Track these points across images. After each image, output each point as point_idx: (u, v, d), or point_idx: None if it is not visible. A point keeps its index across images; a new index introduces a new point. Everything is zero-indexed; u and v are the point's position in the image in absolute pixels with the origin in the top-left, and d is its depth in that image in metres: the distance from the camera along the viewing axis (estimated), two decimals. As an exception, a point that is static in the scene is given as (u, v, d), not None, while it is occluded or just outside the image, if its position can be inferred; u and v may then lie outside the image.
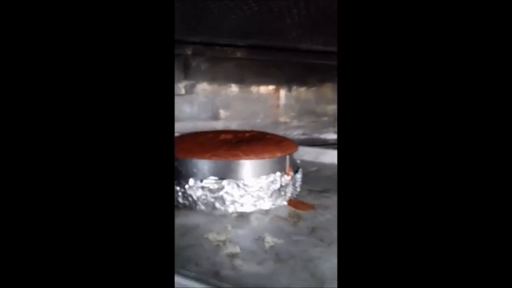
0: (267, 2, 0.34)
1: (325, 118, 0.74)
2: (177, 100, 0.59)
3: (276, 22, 0.43)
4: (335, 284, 0.18)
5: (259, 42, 0.59)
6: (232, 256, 0.22)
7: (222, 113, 0.65)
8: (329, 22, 0.43)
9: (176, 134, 0.45)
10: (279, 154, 0.31)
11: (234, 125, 0.65)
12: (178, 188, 0.30)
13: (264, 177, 0.30)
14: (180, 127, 0.61)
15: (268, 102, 0.68)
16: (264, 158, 0.30)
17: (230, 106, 0.65)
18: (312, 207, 0.31)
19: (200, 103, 0.62)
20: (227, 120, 0.65)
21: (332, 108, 0.73)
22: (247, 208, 0.30)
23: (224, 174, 0.30)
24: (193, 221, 0.28)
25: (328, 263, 0.21)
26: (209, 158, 0.29)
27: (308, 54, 0.65)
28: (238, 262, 0.22)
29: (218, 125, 0.63)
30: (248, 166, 0.30)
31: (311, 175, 0.42)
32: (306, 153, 0.49)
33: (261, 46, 0.60)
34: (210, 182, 0.29)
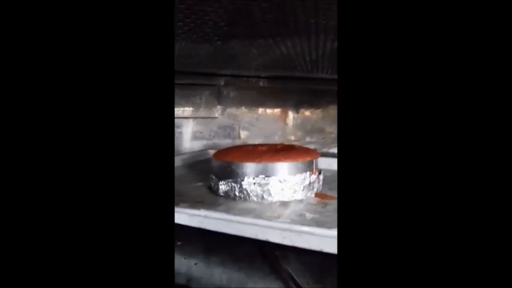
0: (291, 46, 0.46)
1: (332, 135, 0.85)
2: (211, 122, 0.71)
3: (296, 60, 0.55)
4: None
5: (278, 73, 0.72)
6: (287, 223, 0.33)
7: (243, 133, 0.77)
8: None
9: (214, 150, 0.56)
10: (308, 158, 0.43)
11: (257, 142, 0.76)
12: (235, 184, 0.41)
13: (298, 175, 0.41)
14: (213, 143, 0.72)
15: (283, 122, 0.80)
16: (298, 161, 0.42)
17: (251, 128, 0.77)
18: (334, 197, 0.42)
19: (229, 124, 0.74)
20: (248, 139, 0.77)
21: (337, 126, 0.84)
22: (286, 198, 0.41)
23: (269, 173, 0.41)
24: (250, 207, 0.38)
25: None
26: (259, 161, 0.41)
27: (316, 81, 0.77)
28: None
29: (240, 143, 0.75)
30: (286, 167, 0.41)
31: (328, 178, 0.53)
32: (322, 162, 0.60)
33: (279, 77, 0.73)
34: (260, 179, 0.40)
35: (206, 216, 0.30)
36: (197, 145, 0.72)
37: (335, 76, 0.78)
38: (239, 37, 0.35)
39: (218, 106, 0.71)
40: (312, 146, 0.91)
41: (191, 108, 0.70)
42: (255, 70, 0.65)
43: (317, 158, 0.45)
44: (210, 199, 0.41)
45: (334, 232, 0.24)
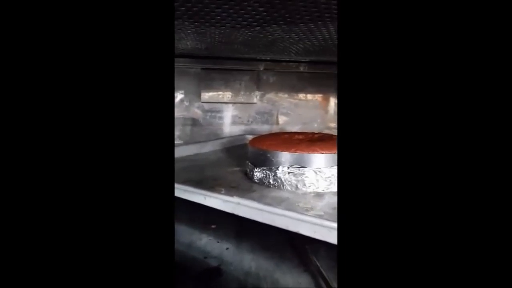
0: (334, 30, 0.44)
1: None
2: (250, 107, 0.71)
3: (334, 44, 0.52)
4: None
5: (319, 57, 0.69)
6: (320, 216, 0.32)
7: (282, 118, 0.76)
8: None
9: (251, 136, 0.56)
10: (346, 150, 0.41)
11: (294, 129, 0.75)
12: (269, 172, 0.41)
13: (334, 167, 0.40)
14: (251, 129, 0.73)
15: (323, 109, 0.78)
16: (334, 152, 0.40)
17: (291, 113, 0.76)
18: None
19: (267, 110, 0.74)
20: (287, 125, 0.76)
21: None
22: (321, 189, 0.40)
23: (305, 163, 0.40)
24: (283, 195, 0.38)
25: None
26: (294, 151, 0.40)
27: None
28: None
29: (278, 129, 0.74)
30: (322, 158, 0.40)
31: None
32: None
33: (319, 62, 0.70)
34: (295, 169, 0.40)
35: (238, 203, 0.31)
36: (236, 129, 0.73)
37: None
38: (278, 22, 0.34)
39: (257, 92, 0.71)
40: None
41: (230, 93, 0.71)
42: (295, 54, 0.63)
43: (356, 149, 0.43)
44: (245, 185, 0.42)
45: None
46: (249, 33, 0.39)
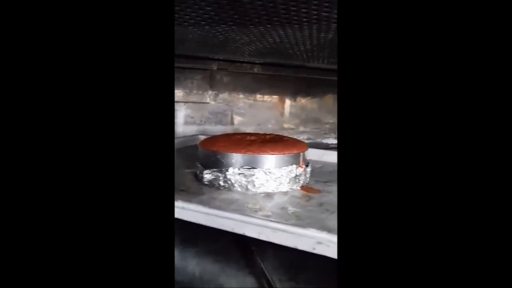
0: (284, 35, 0.45)
1: (327, 126, 0.85)
2: (203, 107, 0.70)
3: (290, 48, 0.53)
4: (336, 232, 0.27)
5: (273, 60, 0.70)
6: (267, 216, 0.33)
7: (237, 119, 0.76)
8: (333, 47, 0.54)
9: (204, 136, 0.55)
10: (295, 151, 0.42)
11: (248, 130, 0.75)
12: (220, 174, 0.40)
13: (284, 167, 0.41)
14: (204, 129, 0.71)
15: (278, 110, 0.79)
16: (284, 153, 0.41)
17: (245, 114, 0.76)
18: (319, 191, 0.42)
19: (220, 110, 0.73)
20: (242, 125, 0.76)
21: (333, 117, 0.83)
22: (271, 190, 0.40)
23: (255, 164, 0.40)
24: (233, 197, 0.38)
25: (332, 221, 0.32)
26: (244, 152, 0.40)
27: (313, 71, 0.76)
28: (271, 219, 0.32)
29: (232, 130, 0.74)
30: (272, 159, 0.40)
31: (317, 170, 0.52)
32: (312, 154, 0.59)
33: (274, 64, 0.71)
34: (245, 170, 0.40)
35: (183, 208, 0.30)
36: (189, 130, 0.71)
37: (332, 66, 0.78)
38: (227, 23, 0.34)
39: (210, 91, 0.70)
40: (306, 136, 0.91)
41: (182, 92, 0.69)
42: (248, 56, 0.63)
43: (305, 151, 0.44)
44: (194, 187, 0.41)
45: (307, 231, 0.24)
46: (199, 32, 0.39)
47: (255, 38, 0.43)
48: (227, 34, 0.40)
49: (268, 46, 0.50)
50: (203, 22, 0.34)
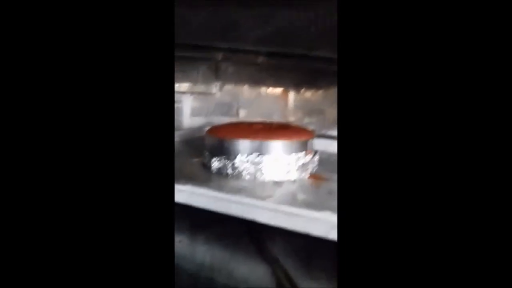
0: (289, 19, 0.44)
1: (332, 117, 0.83)
2: (209, 99, 0.69)
3: (293, 33, 0.52)
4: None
5: (277, 48, 0.69)
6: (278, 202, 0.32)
7: (242, 111, 0.75)
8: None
9: (209, 127, 0.55)
10: (303, 138, 0.41)
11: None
12: (228, 161, 0.40)
13: (292, 154, 0.40)
14: (210, 121, 0.71)
15: (282, 102, 0.78)
16: (292, 139, 0.40)
17: (250, 105, 0.75)
18: (328, 179, 0.41)
19: (226, 102, 0.72)
20: (247, 117, 0.75)
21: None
22: (279, 178, 0.39)
23: (263, 151, 0.39)
24: (241, 185, 0.37)
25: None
26: (252, 139, 0.39)
27: (318, 60, 0.74)
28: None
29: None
30: (280, 145, 0.40)
31: (324, 160, 0.51)
32: (318, 144, 0.59)
33: (278, 53, 0.70)
34: (253, 157, 0.39)
35: (192, 193, 0.29)
36: (197, 121, 0.71)
37: (335, 55, 0.76)
38: (232, 3, 0.33)
39: (216, 82, 0.69)
40: (310, 128, 0.90)
41: (187, 83, 0.68)
42: (253, 44, 0.62)
43: (312, 138, 0.43)
44: (203, 176, 0.40)
45: (321, 214, 0.23)
46: (204, 14, 0.38)
47: (261, 22, 0.42)
48: (232, 17, 0.39)
49: (273, 32, 0.49)
50: (208, 2, 0.33)
